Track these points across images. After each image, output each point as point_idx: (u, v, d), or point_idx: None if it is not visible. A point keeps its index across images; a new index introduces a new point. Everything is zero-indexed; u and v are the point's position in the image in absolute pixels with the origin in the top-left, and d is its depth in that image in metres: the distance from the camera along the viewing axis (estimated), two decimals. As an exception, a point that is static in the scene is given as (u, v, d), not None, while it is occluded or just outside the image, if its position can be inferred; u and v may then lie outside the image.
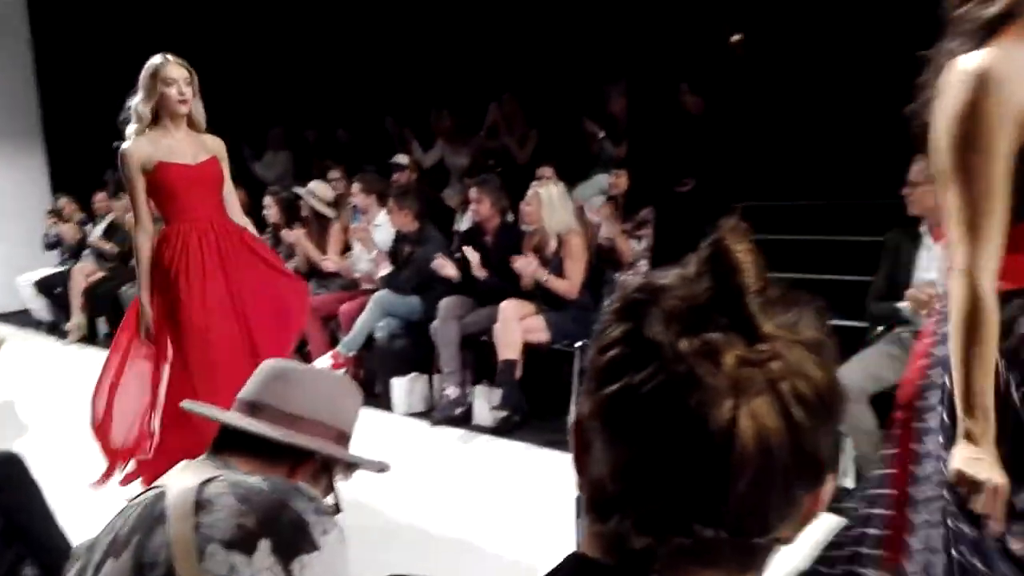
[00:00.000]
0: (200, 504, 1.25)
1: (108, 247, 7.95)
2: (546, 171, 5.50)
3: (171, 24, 8.24)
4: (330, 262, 5.89)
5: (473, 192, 5.24)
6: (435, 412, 4.94)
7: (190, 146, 3.24)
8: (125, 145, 3.18)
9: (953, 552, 1.49)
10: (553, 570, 0.67)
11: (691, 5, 6.58)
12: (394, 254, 5.48)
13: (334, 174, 6.60)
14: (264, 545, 1.21)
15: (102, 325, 7.74)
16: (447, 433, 4.72)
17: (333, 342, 5.48)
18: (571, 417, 0.68)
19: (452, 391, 4.88)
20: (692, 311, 0.60)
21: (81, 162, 9.16)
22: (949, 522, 1.52)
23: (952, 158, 1.43)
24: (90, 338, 7.70)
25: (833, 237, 5.16)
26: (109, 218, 8.22)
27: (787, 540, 0.64)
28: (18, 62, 9.64)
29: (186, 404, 1.73)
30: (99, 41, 8.98)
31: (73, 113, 9.28)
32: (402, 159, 6.74)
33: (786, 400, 0.58)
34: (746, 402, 0.57)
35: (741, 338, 0.59)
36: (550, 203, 4.78)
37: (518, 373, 4.59)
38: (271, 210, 6.30)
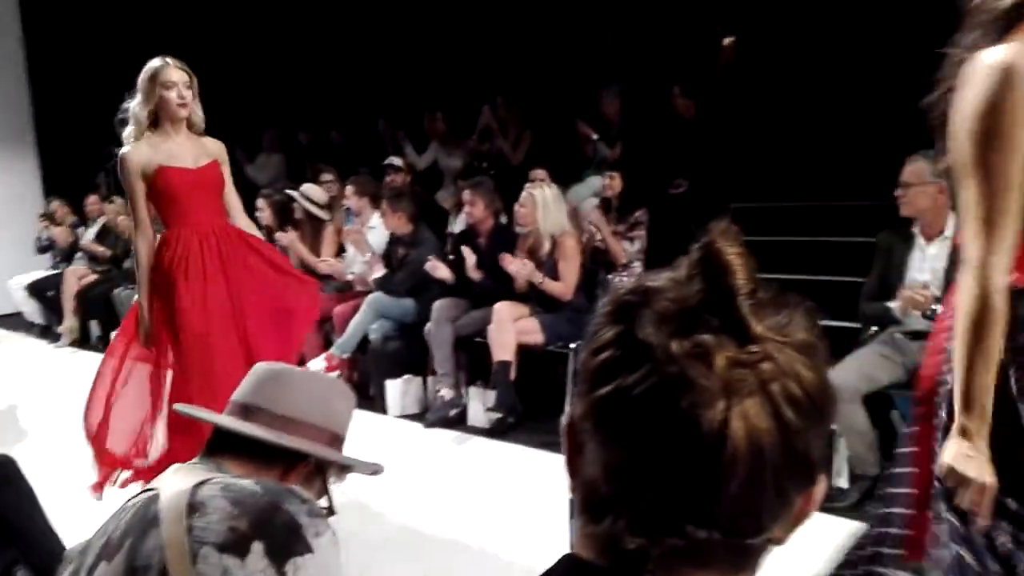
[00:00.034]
0: (193, 507, 1.24)
1: (101, 250, 7.94)
2: (539, 173, 5.51)
3: (164, 26, 8.23)
4: (324, 264, 5.88)
5: (467, 194, 5.24)
6: (429, 414, 4.93)
7: (190, 150, 3.20)
8: (124, 150, 3.14)
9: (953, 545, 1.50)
10: (547, 572, 0.67)
11: (684, 9, 6.59)
12: (388, 256, 5.48)
13: (327, 176, 6.59)
14: (257, 548, 1.21)
15: (95, 328, 7.73)
16: (441, 435, 4.72)
17: (327, 344, 5.48)
18: (564, 419, 0.68)
19: (446, 393, 4.88)
20: (684, 313, 0.60)
21: (73, 165, 9.15)
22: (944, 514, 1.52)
23: (972, 152, 1.41)
24: (83, 341, 7.69)
25: (826, 238, 5.17)
26: (101, 221, 8.21)
27: (780, 541, 0.64)
28: (10, 64, 9.62)
29: (179, 407, 1.72)
30: (91, 43, 8.96)
31: (65, 116, 9.26)
32: (396, 161, 6.74)
33: (777, 401, 0.58)
34: (738, 403, 0.58)
35: (732, 340, 0.59)
36: (544, 205, 4.79)
37: (512, 375, 4.59)
38: (264, 212, 6.28)
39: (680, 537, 0.60)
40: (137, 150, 3.13)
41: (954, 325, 1.47)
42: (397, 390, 5.10)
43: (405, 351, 5.20)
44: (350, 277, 5.82)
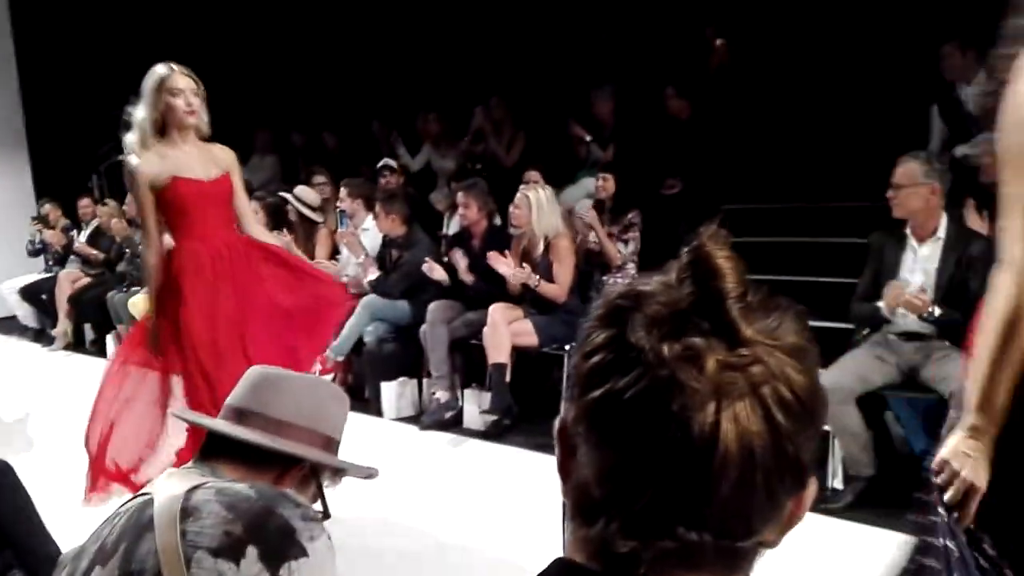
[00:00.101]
0: (187, 511, 1.24)
1: (94, 253, 7.92)
2: (534, 175, 5.51)
3: (156, 30, 8.22)
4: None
5: (461, 196, 5.25)
6: (425, 416, 4.93)
7: (201, 160, 3.13)
8: (134, 161, 3.05)
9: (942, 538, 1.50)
10: (539, 575, 0.68)
11: (676, 10, 6.61)
12: (382, 259, 5.48)
13: (320, 178, 6.59)
14: (252, 552, 1.21)
15: (88, 331, 7.72)
16: (437, 437, 4.72)
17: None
18: (556, 422, 0.68)
19: (442, 395, 4.88)
20: (674, 316, 0.61)
21: (65, 168, 9.12)
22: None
23: (1018, 145, 1.36)
24: (77, 344, 7.67)
25: (818, 239, 5.19)
26: (94, 224, 8.19)
27: (771, 543, 0.65)
28: (1, 67, 9.59)
29: (174, 411, 1.72)
30: (83, 46, 8.95)
31: (57, 119, 9.24)
32: (390, 163, 6.74)
33: (768, 404, 0.59)
34: (728, 406, 0.58)
35: (723, 343, 0.59)
36: (539, 206, 4.79)
37: (508, 377, 4.59)
38: (258, 215, 6.26)
39: (672, 540, 0.61)
40: (147, 161, 3.04)
41: (983, 322, 1.41)
42: (392, 393, 5.10)
43: (400, 353, 5.20)
44: (344, 280, 5.80)
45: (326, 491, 1.53)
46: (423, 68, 7.81)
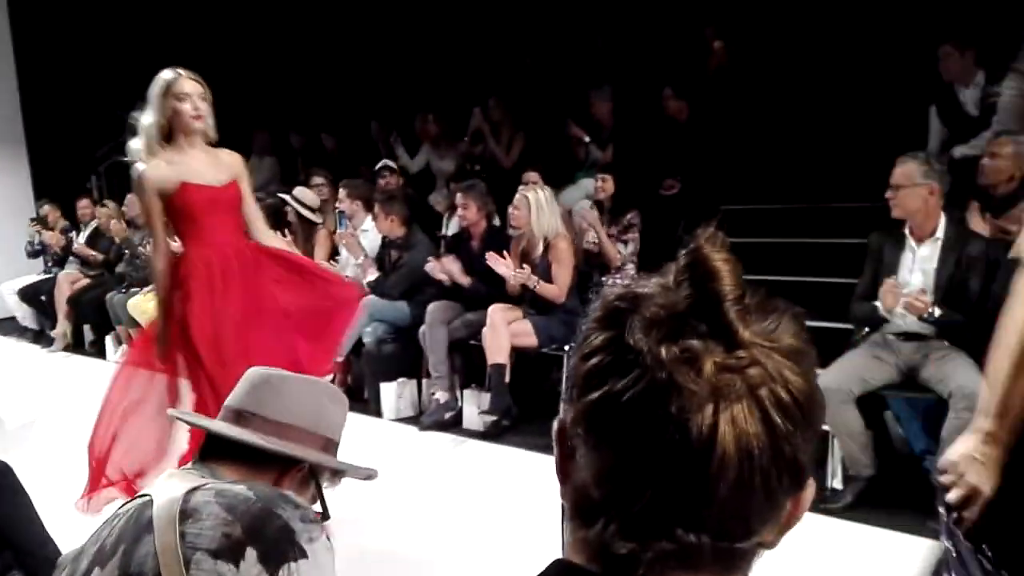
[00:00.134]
0: (186, 513, 1.25)
1: (93, 254, 7.92)
2: (533, 176, 5.52)
3: (154, 31, 8.23)
4: (317, 268, 5.87)
5: (460, 197, 5.25)
6: (424, 417, 4.93)
7: (209, 165, 3.09)
8: (142, 168, 3.01)
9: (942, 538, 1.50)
10: (538, 576, 0.68)
11: (675, 11, 6.61)
12: (381, 260, 5.48)
13: (319, 180, 6.58)
14: (251, 554, 1.21)
15: (88, 332, 7.72)
16: (436, 438, 4.72)
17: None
18: (555, 423, 0.69)
19: (441, 396, 4.88)
20: (672, 319, 0.61)
21: (64, 169, 9.13)
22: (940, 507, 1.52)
23: None
24: (76, 345, 7.67)
25: (817, 240, 5.19)
26: (93, 225, 8.19)
27: (769, 544, 0.65)
28: (0, 68, 9.59)
29: (172, 412, 1.72)
30: (82, 47, 8.95)
31: (56, 120, 9.24)
32: (390, 164, 6.75)
33: (765, 406, 0.59)
34: (726, 408, 0.58)
35: (720, 345, 0.60)
36: (538, 207, 4.79)
37: (507, 377, 4.59)
38: (257, 216, 6.27)
39: (670, 541, 0.61)
40: (155, 168, 3.00)
41: (1002, 327, 1.39)
42: (392, 393, 5.10)
43: (400, 354, 5.20)
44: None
45: (325, 492, 1.53)
46: (422, 69, 7.82)
